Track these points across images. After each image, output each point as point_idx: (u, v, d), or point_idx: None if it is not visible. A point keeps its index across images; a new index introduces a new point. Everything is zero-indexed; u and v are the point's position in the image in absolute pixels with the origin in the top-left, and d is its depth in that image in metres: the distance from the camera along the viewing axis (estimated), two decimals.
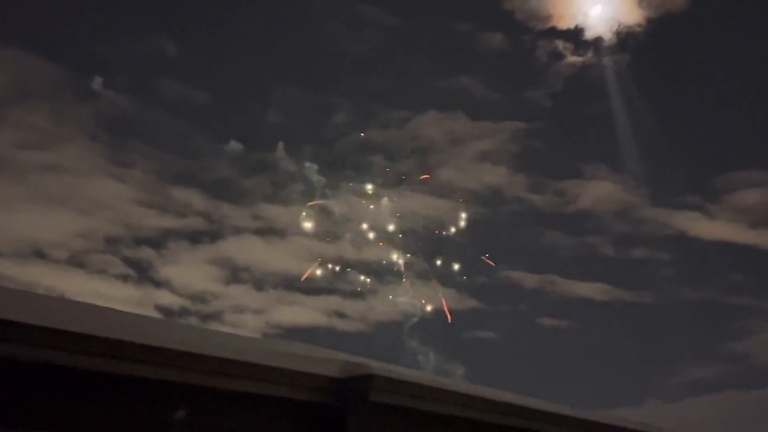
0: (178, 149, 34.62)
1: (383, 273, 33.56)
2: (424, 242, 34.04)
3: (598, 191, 34.92)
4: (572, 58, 34.87)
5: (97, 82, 31.84)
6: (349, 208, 33.65)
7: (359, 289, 33.03)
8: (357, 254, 33.61)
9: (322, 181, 32.78)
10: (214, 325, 30.68)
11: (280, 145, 33.08)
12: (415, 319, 32.83)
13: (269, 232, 33.83)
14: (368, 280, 33.09)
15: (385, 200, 33.66)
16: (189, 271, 32.98)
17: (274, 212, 34.02)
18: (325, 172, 34.27)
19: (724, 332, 33.94)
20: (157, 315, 29.53)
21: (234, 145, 34.25)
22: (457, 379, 28.27)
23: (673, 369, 33.85)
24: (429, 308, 32.99)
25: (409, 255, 33.58)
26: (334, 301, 33.52)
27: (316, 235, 33.61)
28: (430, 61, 36.19)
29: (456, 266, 33.29)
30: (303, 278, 32.43)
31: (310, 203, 32.52)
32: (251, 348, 6.97)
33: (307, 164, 33.29)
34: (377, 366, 7.11)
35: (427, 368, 31.49)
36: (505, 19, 34.70)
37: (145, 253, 32.46)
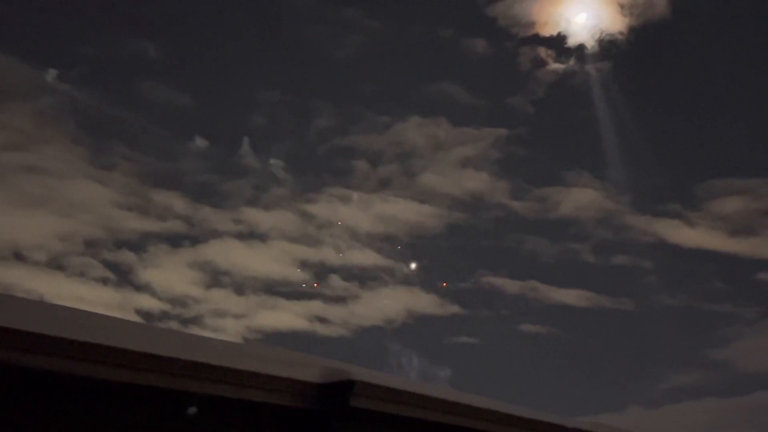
0: (160, 152, 34.38)
1: (365, 278, 33.56)
2: (407, 247, 34.08)
3: (579, 198, 35.05)
4: (554, 65, 35.01)
5: (77, 84, 31.69)
6: (332, 213, 33.64)
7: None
8: (339, 259, 33.58)
9: (289, 179, 32.85)
10: (194, 330, 30.52)
11: (246, 140, 33.05)
12: (397, 325, 32.83)
13: (251, 236, 33.68)
14: (350, 284, 33.07)
15: (367, 205, 33.71)
16: (169, 275, 32.77)
17: (256, 216, 33.87)
18: (307, 176, 34.26)
19: (705, 339, 34.11)
20: (137, 319, 29.33)
21: (215, 148, 34.17)
22: (440, 384, 28.23)
23: (655, 375, 33.96)
24: (411, 314, 33.02)
25: (391, 260, 33.61)
26: (315, 306, 33.40)
27: (299, 239, 33.58)
28: (412, 66, 36.20)
29: (438, 271, 33.38)
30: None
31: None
32: (232, 353, 6.92)
33: (273, 161, 33.34)
34: (359, 371, 7.08)
35: (409, 374, 31.48)
36: (488, 26, 34.76)
37: (126, 256, 32.22)
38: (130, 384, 5.75)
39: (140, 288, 32.11)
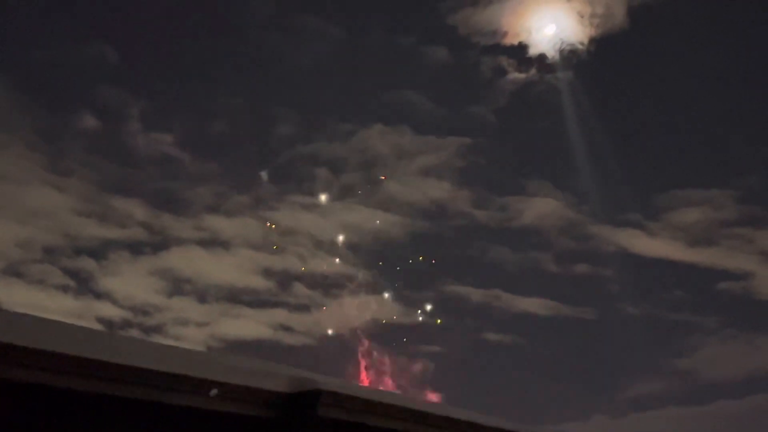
0: (119, 158, 34.02)
1: (330, 286, 33.43)
2: (370, 255, 34.04)
3: (541, 207, 35.31)
4: (516, 75, 35.30)
5: (33, 89, 31.25)
6: (295, 220, 33.49)
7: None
8: (303, 267, 33.41)
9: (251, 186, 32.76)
10: (156, 338, 30.14)
11: (208, 147, 32.90)
12: (362, 333, 32.74)
13: (213, 243, 33.43)
14: (314, 293, 32.94)
15: (330, 213, 33.60)
16: (131, 283, 32.39)
17: (218, 223, 33.63)
18: (270, 183, 34.10)
19: (668, 348, 34.45)
20: (98, 327, 28.91)
21: (176, 155, 33.86)
22: (406, 393, 28.16)
23: (619, 384, 34.22)
24: (375, 322, 32.97)
25: (355, 268, 33.53)
26: (279, 314, 33.22)
27: (262, 246, 33.36)
28: (375, 74, 36.24)
29: (402, 280, 33.37)
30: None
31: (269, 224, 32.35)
32: (196, 362, 6.79)
33: (234, 168, 33.31)
34: (326, 381, 7.00)
35: (375, 382, 31.42)
36: (449, 34, 35.01)
37: (85, 263, 31.82)
38: (93, 393, 5.61)
39: (101, 296, 31.72)
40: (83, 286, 31.53)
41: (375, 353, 32.72)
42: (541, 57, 34.58)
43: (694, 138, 35.64)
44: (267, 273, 33.25)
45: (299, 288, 33.25)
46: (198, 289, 32.95)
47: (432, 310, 33.56)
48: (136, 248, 32.56)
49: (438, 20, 35.11)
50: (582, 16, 34.03)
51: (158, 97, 34.11)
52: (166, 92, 34.53)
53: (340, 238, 33.61)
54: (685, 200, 34.68)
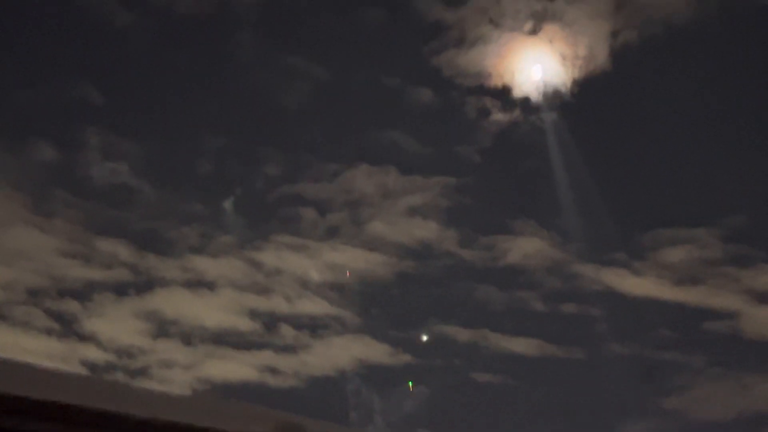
0: (104, 199, 33.86)
1: (316, 326, 33.24)
2: (356, 295, 33.92)
3: (527, 247, 35.33)
4: (500, 116, 35.57)
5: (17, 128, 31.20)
6: (281, 261, 33.36)
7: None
8: (289, 307, 33.24)
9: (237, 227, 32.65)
10: (141, 381, 29.84)
11: (192, 187, 32.78)
12: (349, 375, 32.50)
13: (198, 284, 33.20)
14: (301, 333, 32.73)
15: (316, 253, 33.52)
16: (115, 325, 32.06)
17: (203, 264, 33.44)
18: (255, 224, 34.03)
19: (657, 388, 34.30)
20: (82, 370, 28.60)
21: (161, 195, 33.78)
22: None
23: (608, 425, 33.98)
24: (363, 363, 32.75)
25: (341, 309, 33.38)
26: (266, 356, 32.92)
27: (247, 287, 33.18)
28: (360, 115, 36.39)
29: (388, 320, 33.24)
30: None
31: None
32: (183, 406, 6.67)
33: (219, 208, 33.21)
34: (313, 425, 6.91)
35: (363, 425, 31.07)
36: (433, 75, 35.28)
37: (70, 305, 31.50)
38: None
39: (85, 338, 31.38)
40: (67, 328, 31.21)
41: (362, 394, 32.46)
42: (525, 98, 34.94)
43: (679, 177, 35.90)
44: (253, 314, 33.06)
45: (286, 329, 33.06)
46: (183, 330, 32.68)
47: (427, 340, 33.49)
48: (120, 289, 32.33)
49: (422, 62, 35.45)
50: (565, 58, 34.45)
51: (143, 136, 34.09)
52: (150, 132, 34.51)
53: (327, 278, 33.51)
54: (671, 239, 34.81)
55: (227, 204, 34.10)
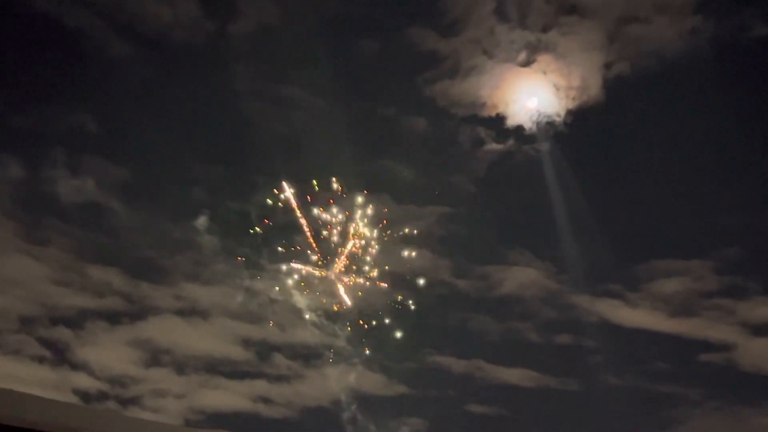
0: (97, 227, 33.80)
1: (310, 356, 33.06)
2: (351, 325, 33.75)
3: (521, 277, 35.29)
4: (494, 145, 35.69)
5: (10, 157, 31.25)
6: (276, 290, 33.24)
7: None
8: (283, 337, 33.08)
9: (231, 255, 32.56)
10: (133, 411, 29.60)
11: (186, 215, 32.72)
12: (343, 406, 32.28)
13: (191, 312, 33.06)
14: (294, 363, 32.56)
15: (310, 282, 33.42)
16: (107, 353, 31.88)
17: (197, 292, 33.31)
18: (250, 252, 33.94)
19: (654, 420, 34.10)
20: (74, 399, 28.37)
21: (155, 223, 33.72)
22: None
23: None
24: (357, 394, 32.54)
25: (335, 338, 33.22)
26: (259, 386, 32.69)
27: (241, 316, 33.04)
28: (356, 144, 36.51)
29: (383, 351, 33.08)
30: None
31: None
32: None
33: (214, 236, 33.08)
34: None
35: None
36: (428, 105, 35.50)
37: (62, 333, 31.34)
38: None
39: (77, 366, 31.17)
40: (59, 356, 31.03)
41: (357, 425, 32.22)
42: (519, 128, 35.07)
43: (673, 209, 35.94)
44: (246, 343, 32.90)
45: (279, 358, 32.87)
46: (176, 359, 32.48)
47: (421, 370, 33.24)
48: (113, 318, 32.19)
49: (417, 92, 35.67)
50: (558, 89, 34.63)
51: (137, 164, 34.09)
52: (145, 160, 34.50)
53: (320, 307, 33.37)
54: (665, 271, 34.81)
55: (222, 232, 34.06)
